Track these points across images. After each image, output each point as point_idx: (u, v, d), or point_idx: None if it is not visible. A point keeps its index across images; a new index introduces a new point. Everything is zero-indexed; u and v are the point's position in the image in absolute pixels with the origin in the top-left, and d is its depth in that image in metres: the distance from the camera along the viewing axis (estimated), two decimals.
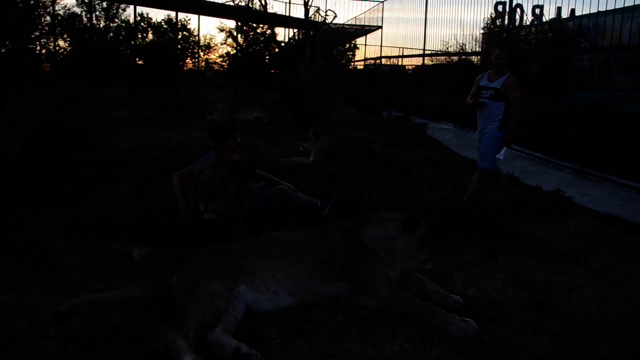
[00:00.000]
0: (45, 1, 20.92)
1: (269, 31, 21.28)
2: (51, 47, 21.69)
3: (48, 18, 21.25)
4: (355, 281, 3.07)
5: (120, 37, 23.10)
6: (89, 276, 3.43)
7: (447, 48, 20.33)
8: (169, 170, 4.50)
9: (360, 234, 3.20)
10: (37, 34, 21.23)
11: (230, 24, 23.04)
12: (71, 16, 22.47)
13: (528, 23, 19.63)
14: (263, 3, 15.58)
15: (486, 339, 2.71)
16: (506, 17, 17.83)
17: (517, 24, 18.22)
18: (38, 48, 21.41)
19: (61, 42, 22.40)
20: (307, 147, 7.98)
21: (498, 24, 18.84)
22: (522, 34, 17.39)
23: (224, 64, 24.65)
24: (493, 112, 5.53)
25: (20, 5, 19.33)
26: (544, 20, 20.30)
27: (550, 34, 17.28)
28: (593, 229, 4.83)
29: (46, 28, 21.40)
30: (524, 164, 8.55)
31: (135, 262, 3.73)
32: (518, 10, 18.71)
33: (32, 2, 20.42)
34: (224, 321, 2.71)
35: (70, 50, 22.38)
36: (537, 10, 21.50)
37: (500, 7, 19.85)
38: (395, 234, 3.17)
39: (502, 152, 5.42)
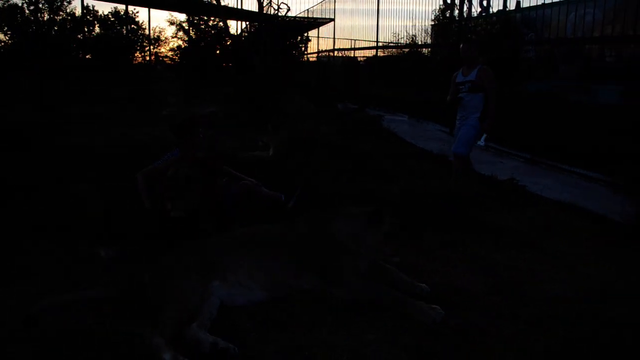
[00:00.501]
0: None
1: (220, 24, 21.06)
2: None
3: None
4: (326, 273, 3.13)
5: (66, 32, 22.36)
6: (57, 277, 3.38)
7: (399, 40, 20.64)
8: (130, 167, 4.45)
9: (329, 227, 3.27)
10: None
11: (181, 16, 22.69)
12: (12, 7, 21.57)
13: (476, 15, 20.15)
14: None
15: (453, 324, 2.84)
16: (456, 8, 18.25)
17: (465, 15, 18.61)
18: None
19: (1, 35, 21.53)
20: (266, 141, 7.98)
21: (447, 15, 19.27)
22: (470, 25, 17.81)
23: (175, 57, 24.24)
24: (473, 104, 5.84)
25: None
26: (491, 12, 20.92)
27: (497, 26, 17.80)
28: (546, 216, 5.06)
29: None
30: (478, 154, 8.80)
31: (103, 261, 3.68)
32: (466, 1, 19.08)
33: None
34: (199, 317, 2.72)
35: (11, 43, 21.52)
36: (485, 2, 22.13)
37: None
38: (363, 228, 3.25)
39: (482, 138, 5.68)
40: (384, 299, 3.02)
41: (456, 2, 18.83)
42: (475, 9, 20.68)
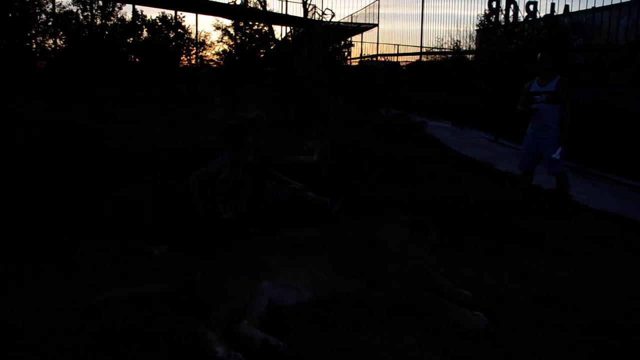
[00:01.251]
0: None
1: (265, 28, 21.42)
2: (47, 45, 21.74)
3: (44, 16, 21.34)
4: (371, 277, 3.22)
5: (117, 36, 23.14)
6: (113, 273, 3.57)
7: (442, 45, 20.51)
8: (182, 170, 4.64)
9: (375, 233, 3.36)
10: (33, 32, 21.31)
11: (227, 21, 23.16)
12: (67, 14, 22.48)
13: (522, 20, 19.82)
14: (262, 3, 15.69)
15: (495, 332, 2.88)
16: (501, 13, 18.00)
17: (511, 20, 18.30)
18: (34, 46, 21.49)
19: (57, 40, 22.47)
20: (311, 146, 8.12)
21: (492, 20, 19.03)
22: (516, 30, 17.55)
23: (220, 61, 24.75)
24: (550, 115, 5.67)
25: (16, 4, 19.37)
26: (537, 16, 20.54)
27: (544, 31, 17.46)
28: (592, 227, 5.01)
29: (42, 26, 21.48)
30: None
31: (156, 259, 3.87)
32: (512, 6, 18.79)
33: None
34: (249, 315, 2.84)
35: (65, 48, 22.42)
36: (531, 7, 21.75)
37: (494, 4, 20.02)
38: (408, 237, 3.33)
39: (558, 151, 5.59)
40: (426, 304, 3.08)
41: (502, 6, 18.65)
42: (522, 14, 20.38)
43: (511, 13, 18.47)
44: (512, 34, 16.69)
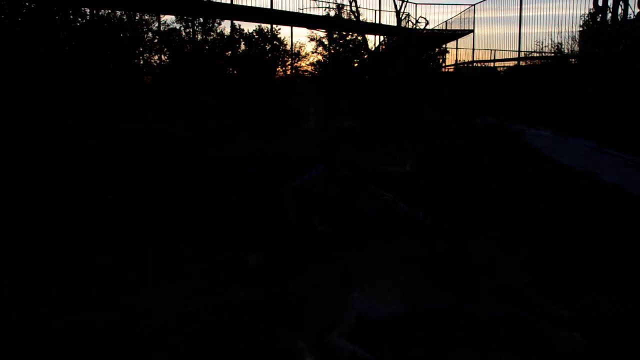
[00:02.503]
0: (149, 19, 22.61)
1: (359, 38, 21.61)
2: (152, 61, 23.33)
3: (150, 34, 22.94)
4: (462, 293, 3.22)
5: (216, 50, 24.36)
6: (210, 279, 3.80)
7: (542, 48, 19.66)
8: (273, 180, 4.84)
9: (467, 248, 3.36)
10: (141, 49, 22.96)
11: (321, 32, 23.61)
12: (171, 31, 24.02)
13: (633, 17, 18.51)
14: (355, 13, 15.88)
15: (593, 355, 2.77)
16: (608, 11, 16.91)
17: (620, 19, 17.14)
18: (141, 62, 23.14)
19: (162, 56, 24.06)
20: (404, 156, 8.14)
21: (598, 20, 17.93)
22: (625, 29, 16.43)
23: (314, 71, 25.27)
24: None
25: (128, 25, 20.99)
26: None
27: None
28: None
29: (148, 43, 23.12)
30: (632, 172, 8.19)
31: (251, 268, 4.07)
32: (621, 3, 17.60)
33: (136, 19, 22.13)
34: (339, 326, 2.91)
35: (169, 63, 23.94)
36: None
37: (600, 1, 18.84)
38: (500, 252, 3.29)
39: None
40: (519, 322, 3.02)
41: (609, 3, 17.50)
42: (633, 10, 19.01)
43: (620, 10, 17.30)
44: (621, 34, 15.67)
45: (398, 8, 13.90)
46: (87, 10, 17.38)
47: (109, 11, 18.88)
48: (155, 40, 23.04)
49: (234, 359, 2.75)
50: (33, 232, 4.84)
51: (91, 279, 3.83)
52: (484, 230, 3.51)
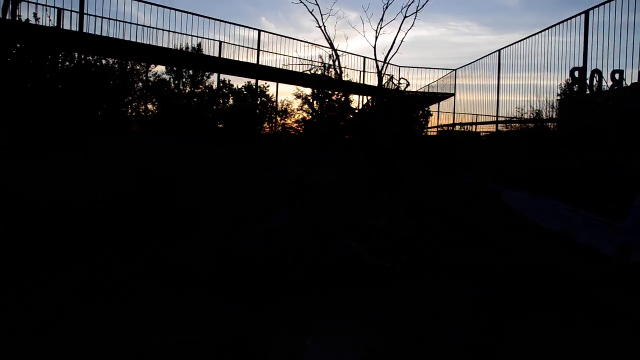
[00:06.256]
0: (139, 69, 23.08)
1: (343, 98, 22.13)
2: (141, 110, 23.63)
3: (140, 84, 23.34)
4: (421, 346, 3.17)
5: (204, 102, 24.76)
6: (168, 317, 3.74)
7: (522, 115, 20.28)
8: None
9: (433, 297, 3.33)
10: (130, 98, 23.25)
11: (307, 90, 24.15)
12: (160, 82, 24.45)
13: (607, 89, 19.25)
14: (338, 72, 16.33)
15: None
16: (586, 83, 17.60)
17: (595, 89, 17.96)
18: (129, 111, 23.38)
19: (150, 106, 24.38)
20: (380, 209, 8.15)
21: (575, 89, 18.60)
22: (599, 100, 17.06)
23: (299, 128, 25.63)
24: None
25: (117, 72, 21.37)
26: (624, 85, 19.84)
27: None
28: None
29: (138, 93, 23.47)
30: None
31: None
32: (596, 75, 18.46)
33: (128, 69, 22.57)
34: None
35: (157, 113, 24.23)
36: (617, 75, 21.06)
37: (576, 73, 19.61)
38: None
39: None
40: None
41: (586, 76, 18.26)
42: (607, 83, 19.77)
43: (595, 82, 18.10)
44: (597, 103, 16.25)
45: (379, 68, 14.35)
46: (76, 55, 17.62)
47: (98, 57, 19.14)
48: (144, 90, 23.38)
49: None
50: None
51: None
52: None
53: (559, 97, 20.56)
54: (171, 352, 3.11)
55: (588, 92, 16.59)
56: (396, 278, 4.83)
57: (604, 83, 18.47)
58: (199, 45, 24.10)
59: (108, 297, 4.09)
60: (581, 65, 18.35)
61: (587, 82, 17.75)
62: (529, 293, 4.66)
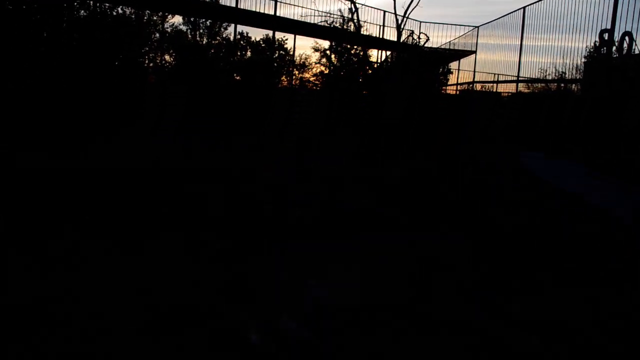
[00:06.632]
0: (156, 19, 22.75)
1: (362, 52, 21.65)
2: (158, 60, 23.43)
3: (157, 35, 23.05)
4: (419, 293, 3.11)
5: (221, 54, 24.42)
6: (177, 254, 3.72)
7: (545, 76, 19.73)
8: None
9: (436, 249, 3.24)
10: (147, 48, 23.02)
11: (325, 44, 23.68)
12: (177, 33, 24.12)
13: (638, 52, 18.55)
14: (357, 25, 15.91)
15: None
16: (614, 46, 16.94)
17: (624, 52, 17.31)
18: (146, 62, 23.19)
19: (167, 57, 24.14)
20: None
21: (603, 52, 17.94)
22: (630, 62, 16.48)
23: (317, 82, 25.29)
24: None
25: (134, 22, 21.11)
26: None
27: None
28: None
29: (155, 44, 23.21)
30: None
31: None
32: (627, 38, 17.75)
33: (144, 19, 22.27)
34: (292, 310, 2.83)
35: (174, 64, 23.99)
36: None
37: (605, 35, 18.87)
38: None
39: None
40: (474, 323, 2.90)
41: (615, 38, 17.54)
42: (637, 46, 19.03)
43: (625, 45, 17.42)
44: (627, 66, 15.71)
45: (399, 22, 13.93)
46: (91, 3, 17.37)
47: (112, 5, 18.83)
48: (161, 42, 23.15)
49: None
50: None
51: None
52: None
53: (585, 60, 19.91)
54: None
55: (617, 55, 15.99)
56: (403, 229, 4.74)
57: (634, 46, 17.78)
58: None
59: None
60: (609, 27, 17.65)
61: (616, 44, 17.11)
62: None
